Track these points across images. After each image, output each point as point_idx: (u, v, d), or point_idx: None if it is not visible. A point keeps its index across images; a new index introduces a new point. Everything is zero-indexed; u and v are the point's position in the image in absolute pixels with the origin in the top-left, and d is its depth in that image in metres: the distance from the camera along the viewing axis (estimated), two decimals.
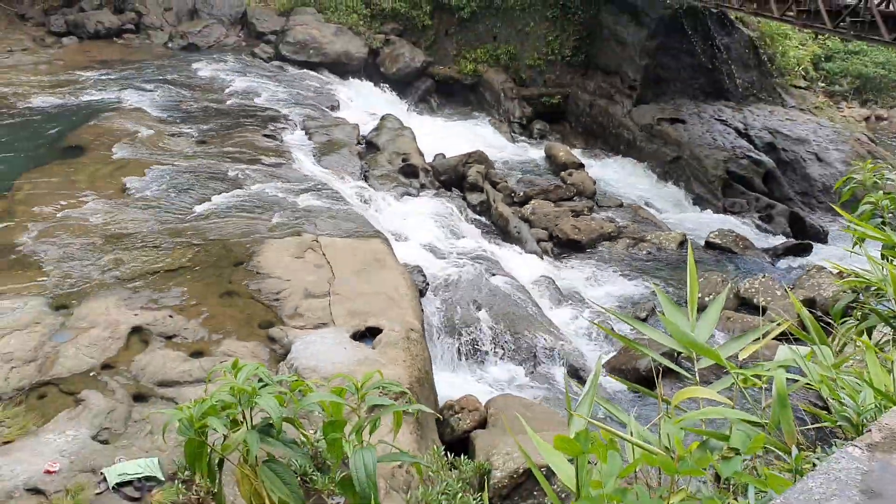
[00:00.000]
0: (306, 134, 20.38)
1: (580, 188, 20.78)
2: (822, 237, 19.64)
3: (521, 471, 8.34)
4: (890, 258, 4.43)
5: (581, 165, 22.37)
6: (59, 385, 8.56)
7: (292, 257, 12.13)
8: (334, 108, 23.68)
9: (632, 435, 2.51)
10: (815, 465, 2.44)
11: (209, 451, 3.14)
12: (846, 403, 2.77)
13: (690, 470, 2.24)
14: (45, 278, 10.97)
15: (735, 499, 2.55)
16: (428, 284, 13.88)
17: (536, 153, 24.46)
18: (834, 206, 6.29)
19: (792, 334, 3.38)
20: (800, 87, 28.56)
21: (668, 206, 22.07)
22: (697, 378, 2.92)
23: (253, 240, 12.72)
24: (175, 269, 11.50)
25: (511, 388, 12.03)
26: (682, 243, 18.12)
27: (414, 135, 21.41)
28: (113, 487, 6.96)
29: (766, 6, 18.60)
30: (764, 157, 22.11)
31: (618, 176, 23.58)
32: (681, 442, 2.39)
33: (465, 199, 19.45)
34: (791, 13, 17.69)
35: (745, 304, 14.87)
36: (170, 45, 29.30)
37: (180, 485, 6.96)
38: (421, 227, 16.63)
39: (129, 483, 7.02)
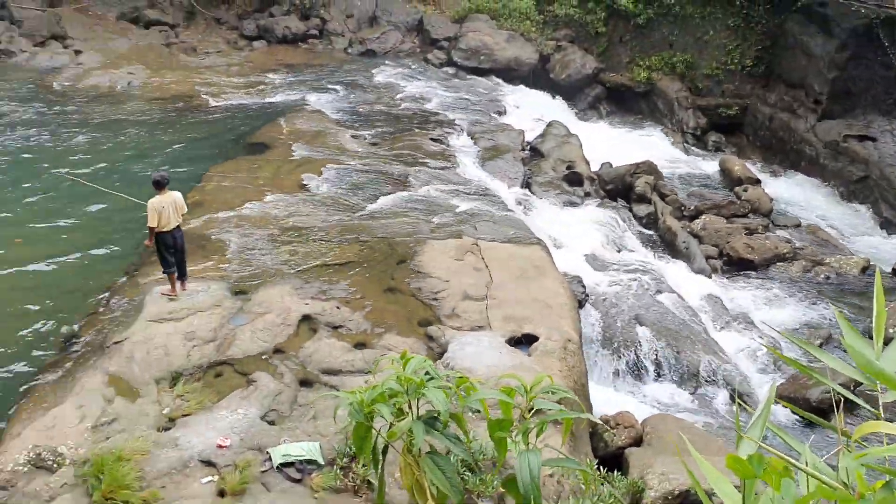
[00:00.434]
0: (472, 138, 20.63)
1: (755, 205, 19.64)
2: None
3: (676, 493, 7.98)
4: None
5: (757, 181, 21.15)
6: (234, 365, 9.13)
7: (452, 259, 12.29)
8: (501, 113, 23.83)
9: (807, 465, 2.29)
10: None
11: (375, 436, 3.21)
12: None
13: None
14: (227, 265, 11.77)
15: None
16: (588, 295, 13.62)
17: (710, 166, 23.41)
18: None
19: None
20: None
21: (851, 228, 20.41)
22: (882, 412, 2.64)
23: (416, 239, 13.01)
24: (343, 263, 11.98)
25: (669, 409, 11.54)
26: (866, 269, 16.66)
27: (580, 142, 21.11)
28: (277, 467, 7.32)
29: None
30: None
31: (797, 194, 22.11)
32: (863, 478, 2.17)
33: (630, 210, 18.91)
34: None
35: None
36: (349, 50, 30.70)
37: (339, 471, 7.20)
38: (583, 236, 16.34)
39: (291, 464, 7.35)
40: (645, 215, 18.78)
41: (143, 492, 6.97)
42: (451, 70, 28.30)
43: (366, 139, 19.41)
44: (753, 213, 19.46)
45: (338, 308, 10.46)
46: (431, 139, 19.66)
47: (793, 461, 2.30)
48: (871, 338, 2.74)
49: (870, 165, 21.21)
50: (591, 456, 8.92)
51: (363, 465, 6.96)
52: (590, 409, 10.13)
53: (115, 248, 13.17)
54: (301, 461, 7.35)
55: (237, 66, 27.83)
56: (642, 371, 12.43)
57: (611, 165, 20.70)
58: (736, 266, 17.11)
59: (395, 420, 3.14)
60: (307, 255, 12.17)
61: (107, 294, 11.29)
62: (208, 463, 7.46)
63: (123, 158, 17.85)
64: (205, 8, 32.37)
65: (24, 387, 9.17)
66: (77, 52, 27.80)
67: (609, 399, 11.51)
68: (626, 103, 28.13)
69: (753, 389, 12.16)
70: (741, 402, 11.60)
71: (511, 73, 28.32)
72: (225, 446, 7.62)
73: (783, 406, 10.91)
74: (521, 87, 27.74)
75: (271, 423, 8.11)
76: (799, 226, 19.44)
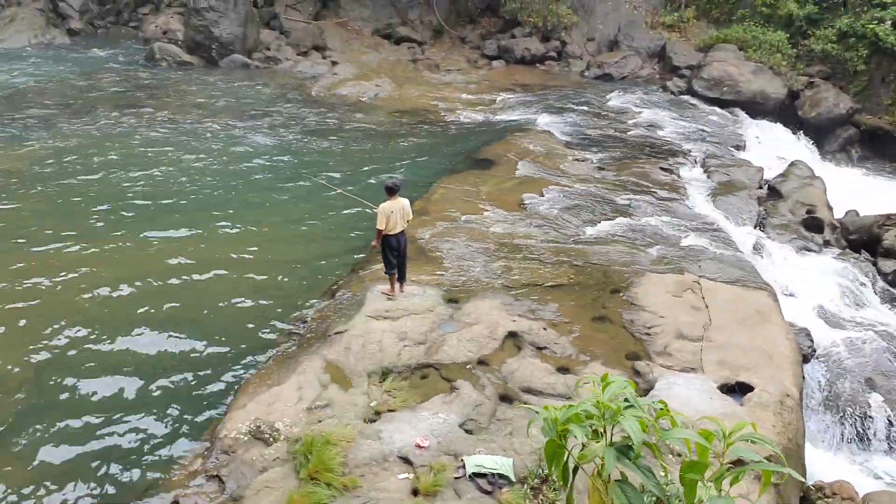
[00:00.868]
0: (705, 171, 19.75)
1: None
2: None
3: None
4: None
5: None
6: (440, 370, 9.42)
7: (670, 294, 11.82)
8: (739, 147, 22.60)
9: None
10: None
11: (566, 455, 3.21)
12: None
13: None
14: (443, 273, 12.21)
15: None
16: (815, 350, 12.49)
17: None
18: None
19: None
20: None
21: None
22: None
23: (633, 270, 12.68)
24: (555, 285, 11.96)
25: None
26: None
27: (825, 186, 19.45)
28: (469, 476, 7.44)
29: None
30: None
31: None
32: None
33: (875, 264, 17.07)
34: None
35: None
36: (586, 73, 30.73)
37: (529, 490, 7.17)
38: (817, 287, 15.01)
39: (483, 476, 7.44)
40: (892, 272, 16.85)
41: (344, 477, 7.39)
42: (690, 99, 27.36)
43: (592, 163, 19.27)
44: None
45: (545, 329, 10.45)
46: (661, 168, 19.10)
47: None
48: None
49: None
50: None
51: (554, 490, 6.88)
52: (803, 472, 9.28)
53: (346, 246, 14.16)
54: (493, 474, 7.42)
55: (475, 84, 28.88)
56: (870, 439, 11.19)
57: (857, 214, 18.85)
58: None
59: (589, 442, 3.12)
60: (520, 273, 12.29)
61: (334, 287, 12.18)
62: (406, 460, 7.75)
63: (361, 164, 19.18)
64: (452, 27, 34.02)
65: (261, 357, 10.14)
66: (334, 63, 30.40)
67: (828, 466, 10.47)
68: (884, 148, 25.56)
69: None
70: None
71: (755, 107, 26.80)
72: (423, 447, 7.87)
73: None
74: (765, 122, 26.14)
75: (469, 431, 8.27)
76: None
